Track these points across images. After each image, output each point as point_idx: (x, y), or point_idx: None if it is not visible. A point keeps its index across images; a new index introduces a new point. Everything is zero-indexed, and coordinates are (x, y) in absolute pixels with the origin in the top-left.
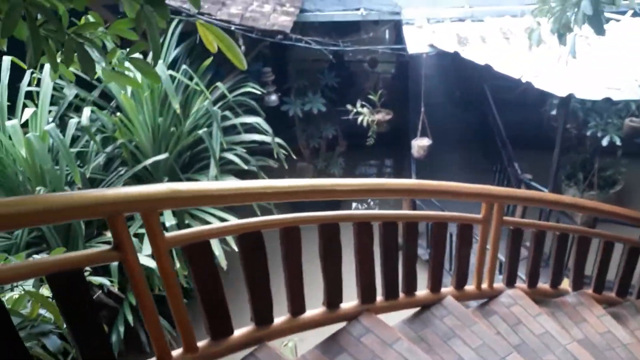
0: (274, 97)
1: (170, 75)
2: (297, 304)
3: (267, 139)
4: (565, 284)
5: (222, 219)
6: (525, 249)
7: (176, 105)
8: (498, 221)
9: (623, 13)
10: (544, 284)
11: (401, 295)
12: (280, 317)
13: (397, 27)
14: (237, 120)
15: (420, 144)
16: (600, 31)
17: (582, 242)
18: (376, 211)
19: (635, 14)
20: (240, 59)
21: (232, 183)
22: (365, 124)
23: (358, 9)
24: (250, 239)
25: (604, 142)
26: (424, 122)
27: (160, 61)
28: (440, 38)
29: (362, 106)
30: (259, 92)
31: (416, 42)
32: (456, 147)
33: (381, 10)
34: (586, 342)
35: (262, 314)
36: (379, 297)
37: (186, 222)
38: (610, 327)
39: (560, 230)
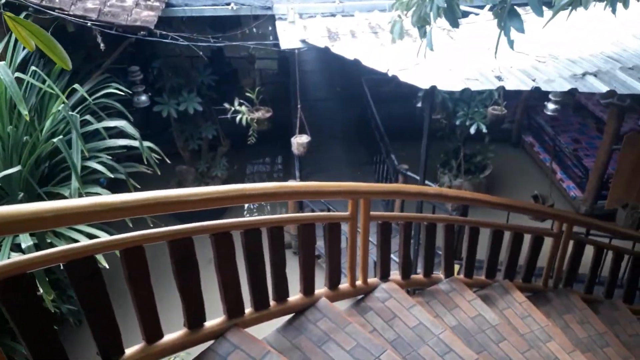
0: (143, 98)
1: (19, 78)
2: (150, 330)
3: (134, 143)
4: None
5: (92, 236)
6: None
7: (24, 112)
8: (365, 217)
9: (482, 7)
10: (417, 275)
11: (272, 303)
12: (132, 347)
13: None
14: (99, 125)
15: (299, 141)
16: (454, 24)
17: (448, 230)
18: (233, 219)
19: (492, 9)
20: (63, 58)
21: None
22: (244, 122)
23: (229, 4)
24: (82, 266)
25: (472, 130)
26: (301, 119)
27: (2, 62)
28: (312, 33)
29: (241, 104)
30: (123, 93)
31: (289, 38)
32: (339, 141)
33: (252, 5)
34: (459, 328)
35: (107, 347)
36: (248, 309)
37: (48, 241)
38: (481, 310)
39: (427, 220)
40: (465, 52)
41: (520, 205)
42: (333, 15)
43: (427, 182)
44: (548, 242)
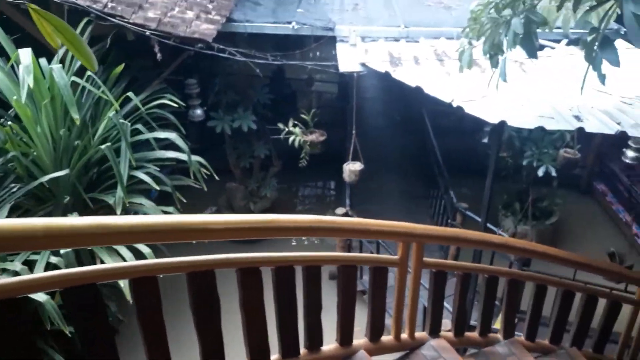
0: (198, 112)
1: (75, 83)
2: None
3: (183, 156)
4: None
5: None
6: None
7: (75, 115)
8: (418, 263)
9: (558, 41)
10: (471, 332)
11: (303, 351)
12: None
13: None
14: (150, 135)
15: (351, 168)
16: (532, 53)
17: (512, 285)
18: (264, 254)
19: (570, 42)
20: (89, 58)
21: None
22: (297, 144)
23: (290, 22)
24: (81, 294)
25: (540, 172)
26: (355, 145)
27: (59, 65)
28: (373, 57)
29: (295, 126)
30: (177, 105)
31: (348, 60)
32: (394, 172)
33: (314, 25)
34: None
35: None
36: (275, 356)
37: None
38: None
39: (488, 272)
40: (539, 87)
41: (596, 264)
42: (397, 40)
43: (488, 224)
44: (626, 307)
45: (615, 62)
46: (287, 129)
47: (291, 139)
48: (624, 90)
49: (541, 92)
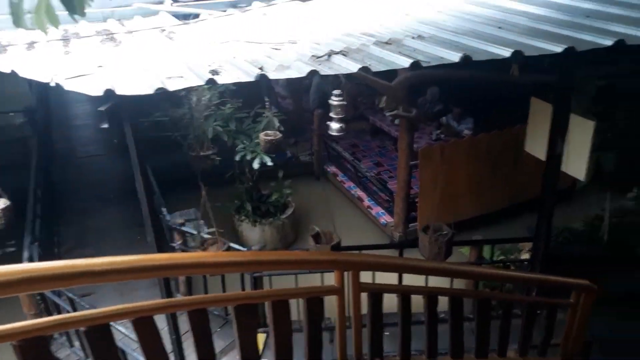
0: None
1: None
2: None
3: None
4: None
5: None
6: None
7: None
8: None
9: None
10: None
11: None
12: None
13: None
14: None
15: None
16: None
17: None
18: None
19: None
20: None
21: None
22: None
23: None
24: None
25: (255, 165)
26: None
27: None
28: None
29: None
30: None
31: None
32: (113, 202)
33: None
34: None
35: None
36: None
37: None
38: None
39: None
40: (182, 51)
41: (272, 259)
42: None
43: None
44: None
45: None
46: None
47: None
48: (278, 38)
49: (182, 55)
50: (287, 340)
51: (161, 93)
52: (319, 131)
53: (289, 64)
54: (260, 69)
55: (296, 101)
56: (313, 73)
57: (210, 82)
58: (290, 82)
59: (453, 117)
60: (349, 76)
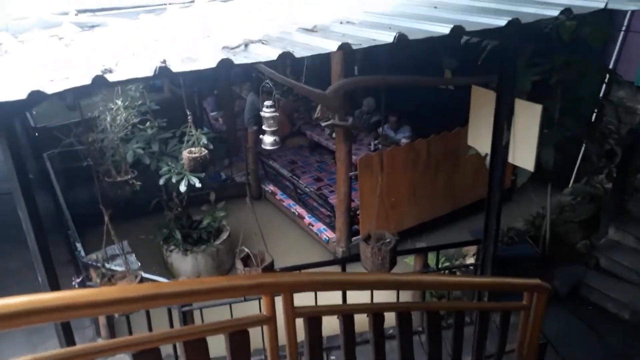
0: None
1: None
2: None
3: None
4: None
5: None
6: None
7: None
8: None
9: None
10: None
11: None
12: None
13: None
14: None
15: None
16: None
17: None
18: None
19: None
20: None
21: None
22: None
23: None
24: None
25: (182, 188)
26: None
27: None
28: None
29: None
30: None
31: None
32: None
33: None
34: None
35: None
36: None
37: None
38: None
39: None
40: (77, 55)
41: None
42: None
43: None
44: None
45: None
46: None
47: None
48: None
49: (74, 59)
50: None
51: (75, 122)
52: (255, 149)
53: (197, 57)
54: (163, 62)
55: (229, 121)
56: (225, 63)
57: (100, 82)
58: (222, 101)
59: (390, 127)
60: (284, 93)
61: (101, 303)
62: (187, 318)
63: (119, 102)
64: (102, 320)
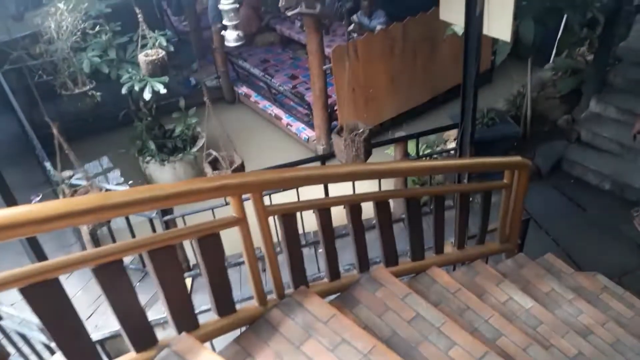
0: None
1: None
2: None
3: None
4: None
5: None
6: None
7: None
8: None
9: None
10: None
11: None
12: None
13: None
14: None
15: None
16: None
17: None
18: None
19: None
20: None
21: None
22: None
23: None
24: None
25: (147, 95)
26: None
27: None
28: None
29: None
30: None
31: None
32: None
33: None
34: None
35: None
36: None
37: None
38: None
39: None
40: None
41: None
42: None
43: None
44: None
45: None
46: None
47: None
48: None
49: None
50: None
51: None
52: (222, 49)
53: None
54: None
55: (193, 22)
56: None
57: None
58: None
59: (363, 13)
60: None
61: (42, 220)
62: (170, 227)
63: (61, 5)
64: (85, 236)
